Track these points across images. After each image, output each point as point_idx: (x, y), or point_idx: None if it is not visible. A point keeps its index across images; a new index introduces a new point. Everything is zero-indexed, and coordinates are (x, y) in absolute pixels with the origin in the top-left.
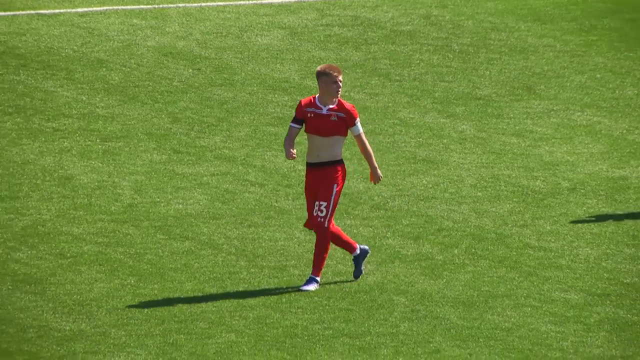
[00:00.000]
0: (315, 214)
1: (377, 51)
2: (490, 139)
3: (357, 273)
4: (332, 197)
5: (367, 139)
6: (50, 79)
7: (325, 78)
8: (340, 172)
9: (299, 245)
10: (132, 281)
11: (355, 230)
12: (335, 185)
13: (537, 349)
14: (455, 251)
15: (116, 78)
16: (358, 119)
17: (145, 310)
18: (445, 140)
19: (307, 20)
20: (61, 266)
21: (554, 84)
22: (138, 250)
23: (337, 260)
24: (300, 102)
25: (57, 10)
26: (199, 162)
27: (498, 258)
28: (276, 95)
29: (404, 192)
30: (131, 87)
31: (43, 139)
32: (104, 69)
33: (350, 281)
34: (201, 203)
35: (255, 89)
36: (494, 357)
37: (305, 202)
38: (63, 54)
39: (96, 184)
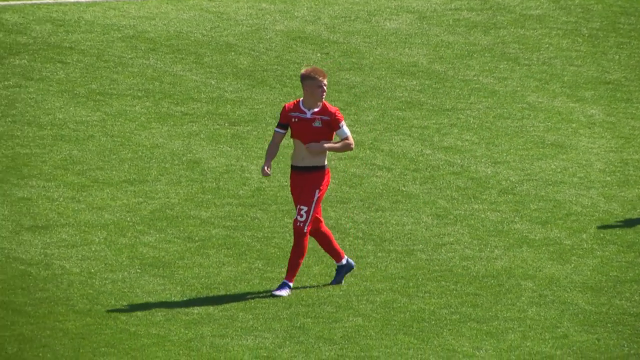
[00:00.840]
0: (294, 218)
1: (506, 35)
2: (619, 124)
3: (336, 281)
4: (313, 203)
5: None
6: (179, 63)
7: (310, 82)
8: (324, 178)
9: (426, 230)
10: (260, 265)
11: (482, 215)
12: (318, 191)
13: None
14: (584, 236)
15: (245, 62)
16: (343, 122)
17: None
18: (574, 125)
19: (435, 5)
20: (189, 250)
21: None
22: (266, 234)
23: (464, 245)
24: (284, 107)
25: None
26: None
27: (627, 243)
28: (404, 80)
29: (532, 176)
30: (259, 71)
31: (172, 123)
32: (233, 53)
33: (476, 266)
34: (328, 187)
35: (383, 73)
36: (622, 342)
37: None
38: (192, 38)
39: (224, 168)
